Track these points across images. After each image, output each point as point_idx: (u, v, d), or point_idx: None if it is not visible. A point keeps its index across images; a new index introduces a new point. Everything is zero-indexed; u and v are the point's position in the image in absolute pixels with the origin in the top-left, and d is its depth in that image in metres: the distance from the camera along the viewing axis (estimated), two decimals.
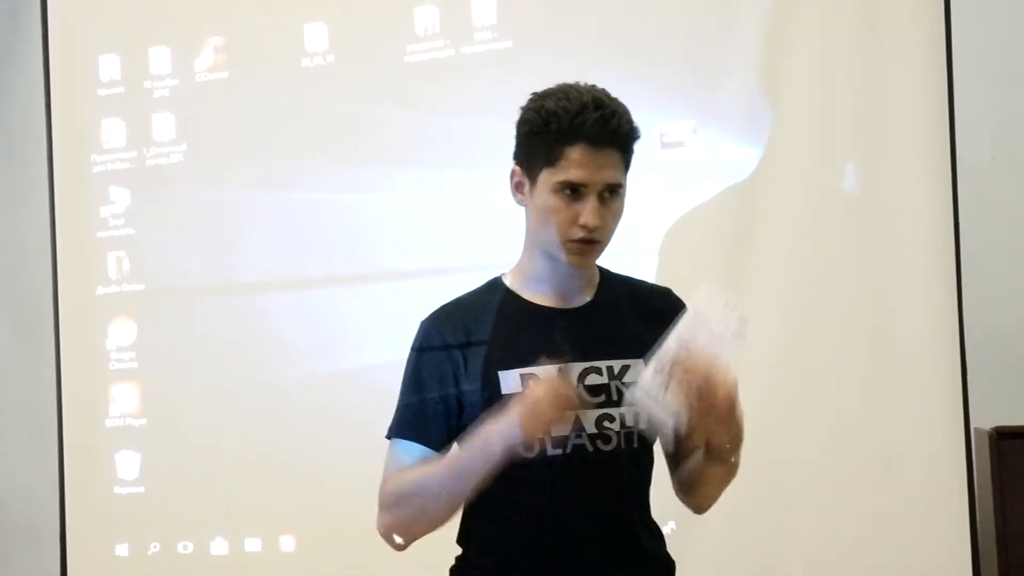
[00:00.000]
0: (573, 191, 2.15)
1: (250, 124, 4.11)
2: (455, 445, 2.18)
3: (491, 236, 3.67)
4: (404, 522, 2.24)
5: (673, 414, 2.06)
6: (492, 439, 2.08)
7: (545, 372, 2.16)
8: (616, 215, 2.21)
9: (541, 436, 2.07)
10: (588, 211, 2.15)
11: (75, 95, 4.33)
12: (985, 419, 3.53)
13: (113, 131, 4.27)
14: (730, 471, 2.27)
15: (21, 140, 4.86)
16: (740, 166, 3.66)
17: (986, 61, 3.94)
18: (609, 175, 2.15)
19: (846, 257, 3.62)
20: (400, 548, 2.27)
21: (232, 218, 4.14)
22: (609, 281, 2.35)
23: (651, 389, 2.06)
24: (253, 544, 4.09)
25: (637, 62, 3.69)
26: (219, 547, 4.12)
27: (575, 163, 2.14)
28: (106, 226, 4.27)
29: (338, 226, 4.01)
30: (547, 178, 2.17)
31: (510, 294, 2.30)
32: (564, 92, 2.18)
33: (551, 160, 2.16)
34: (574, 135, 2.13)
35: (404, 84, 3.93)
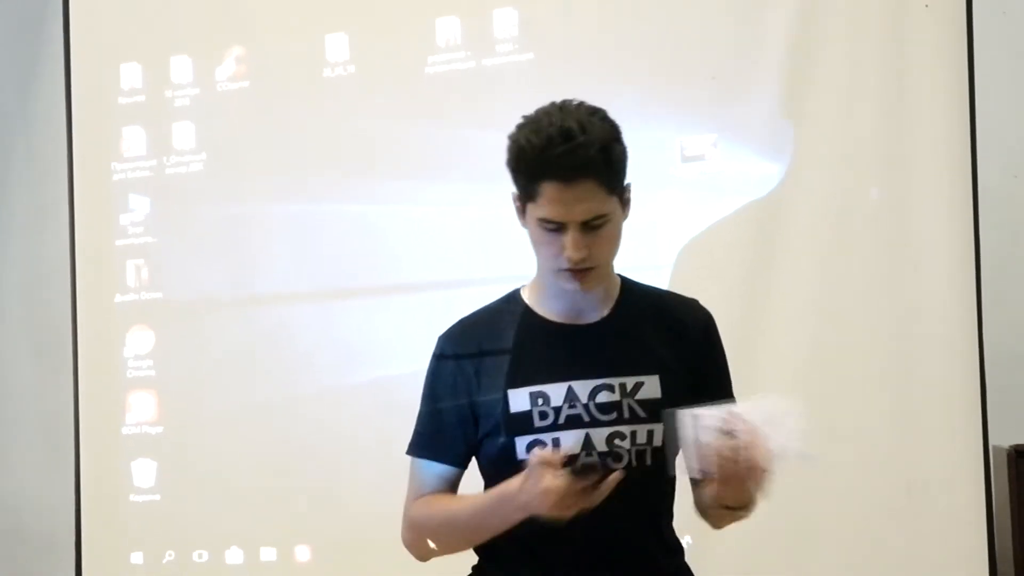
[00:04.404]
0: (554, 226, 2.11)
1: (270, 133, 4.11)
2: (480, 494, 2.19)
3: (511, 248, 3.65)
4: (425, 547, 2.29)
5: (703, 460, 2.02)
6: (510, 508, 2.09)
7: (555, 391, 2.18)
8: (608, 240, 2.15)
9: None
10: (569, 245, 2.10)
11: (96, 103, 4.33)
12: (1004, 437, 3.53)
13: (133, 140, 4.28)
14: (737, 517, 2.23)
15: (43, 148, 4.88)
16: (761, 181, 3.65)
17: (1008, 81, 3.94)
18: (585, 209, 2.08)
19: (865, 276, 3.61)
20: (421, 560, 2.32)
21: (251, 227, 4.14)
22: (631, 293, 2.31)
23: (703, 429, 2.01)
24: (268, 554, 4.08)
25: (658, 75, 3.69)
26: (234, 556, 4.12)
27: (549, 200, 2.08)
28: (125, 234, 4.27)
29: (357, 237, 4.00)
30: (530, 212, 2.14)
31: (525, 309, 2.28)
32: (536, 122, 2.11)
33: (529, 196, 2.12)
34: (543, 173, 2.07)
35: (425, 95, 3.93)
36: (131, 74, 4.28)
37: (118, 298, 4.27)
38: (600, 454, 2.17)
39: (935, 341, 3.56)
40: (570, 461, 2.04)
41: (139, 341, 4.25)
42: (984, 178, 3.56)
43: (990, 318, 3.57)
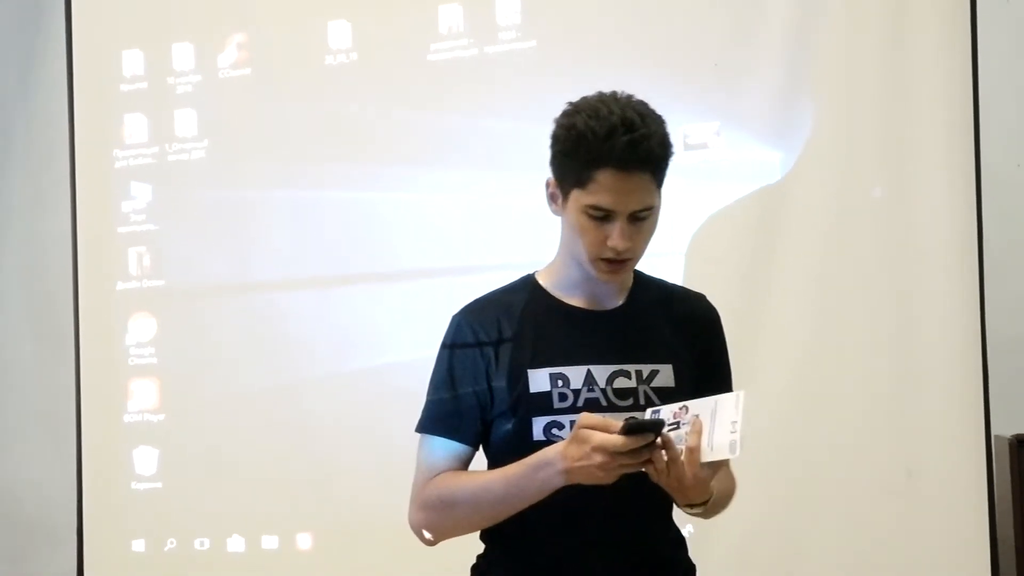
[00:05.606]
0: (602, 214, 2.12)
1: (272, 121, 4.10)
2: (510, 465, 2.14)
3: (510, 236, 3.68)
4: (444, 525, 2.25)
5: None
6: (550, 472, 2.06)
7: (575, 374, 2.18)
8: (648, 233, 2.18)
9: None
10: (616, 234, 2.11)
11: (98, 90, 4.32)
12: (1006, 426, 3.53)
13: (135, 127, 4.27)
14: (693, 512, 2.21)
15: (44, 135, 4.88)
16: (764, 169, 3.65)
17: (1011, 70, 3.93)
18: (638, 199, 2.11)
19: (869, 263, 3.60)
20: (430, 544, 2.27)
21: (253, 215, 4.13)
22: (642, 284, 2.33)
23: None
24: (270, 542, 4.08)
25: (661, 63, 3.69)
26: (236, 544, 4.12)
27: (604, 188, 2.09)
28: (127, 222, 4.26)
29: (358, 225, 4.00)
30: (577, 198, 2.13)
31: (543, 292, 2.29)
32: (595, 110, 2.10)
33: (580, 182, 2.11)
34: (602, 160, 2.07)
35: (427, 83, 3.93)
36: (133, 61, 4.28)
37: (120, 285, 4.27)
38: None
39: (937, 330, 3.55)
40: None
41: (141, 328, 4.25)
42: (987, 167, 3.55)
43: (993, 307, 3.56)
